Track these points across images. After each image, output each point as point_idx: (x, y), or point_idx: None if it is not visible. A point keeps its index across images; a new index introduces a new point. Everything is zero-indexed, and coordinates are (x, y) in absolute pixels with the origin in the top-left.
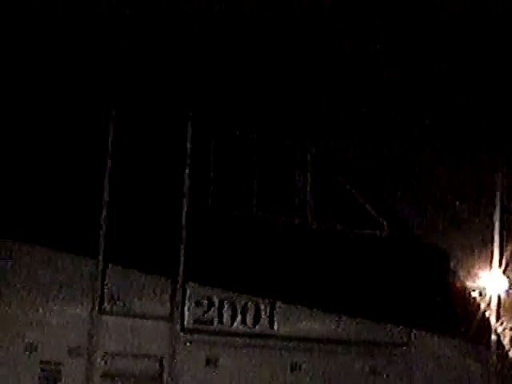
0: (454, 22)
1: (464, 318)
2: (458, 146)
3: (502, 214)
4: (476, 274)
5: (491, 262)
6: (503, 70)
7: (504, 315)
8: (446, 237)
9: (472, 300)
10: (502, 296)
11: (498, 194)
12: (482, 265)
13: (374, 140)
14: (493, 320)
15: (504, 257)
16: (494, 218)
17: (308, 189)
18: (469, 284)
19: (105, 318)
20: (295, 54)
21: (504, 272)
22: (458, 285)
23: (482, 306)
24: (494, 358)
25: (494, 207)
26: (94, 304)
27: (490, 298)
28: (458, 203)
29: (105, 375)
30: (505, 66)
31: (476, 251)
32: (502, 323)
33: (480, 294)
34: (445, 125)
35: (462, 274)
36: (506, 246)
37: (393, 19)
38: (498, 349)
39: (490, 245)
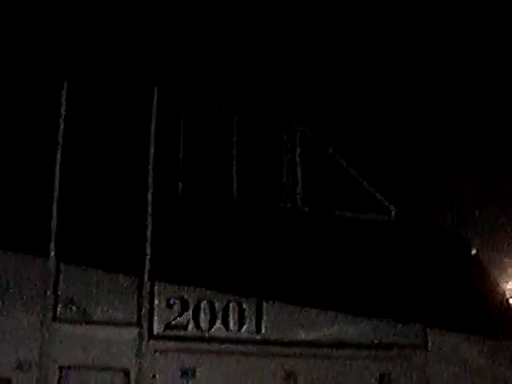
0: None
1: (493, 317)
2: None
3: None
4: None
5: None
6: None
7: None
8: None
9: (505, 298)
10: None
11: None
12: None
13: (378, 116)
14: None
15: None
16: None
17: (298, 170)
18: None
19: (59, 326)
20: (283, 27)
21: None
22: (486, 279)
23: None
24: None
25: None
26: (46, 310)
27: None
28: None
29: None
30: None
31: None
32: None
33: None
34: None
35: (495, 273)
36: None
37: None
38: None
39: None
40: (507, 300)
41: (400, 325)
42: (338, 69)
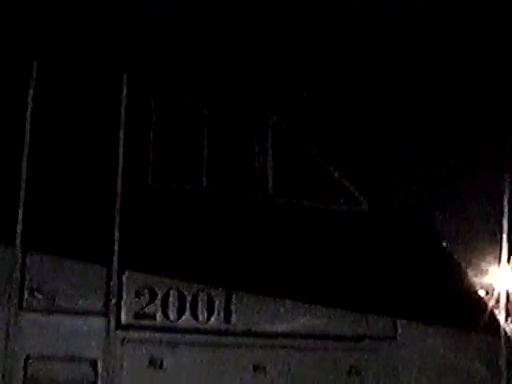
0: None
1: (462, 309)
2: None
3: (510, 207)
4: (483, 271)
5: (499, 258)
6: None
7: None
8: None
9: (475, 291)
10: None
11: (507, 189)
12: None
13: (351, 106)
14: (501, 317)
15: None
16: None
17: (269, 161)
18: (475, 279)
19: (25, 315)
20: (260, 14)
21: None
22: (456, 271)
23: (490, 302)
24: (504, 357)
25: (502, 200)
26: (11, 299)
27: (499, 294)
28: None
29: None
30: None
31: (484, 247)
32: None
33: (487, 293)
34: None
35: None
36: None
37: None
38: (507, 346)
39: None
40: (476, 292)
41: (370, 316)
42: (311, 57)
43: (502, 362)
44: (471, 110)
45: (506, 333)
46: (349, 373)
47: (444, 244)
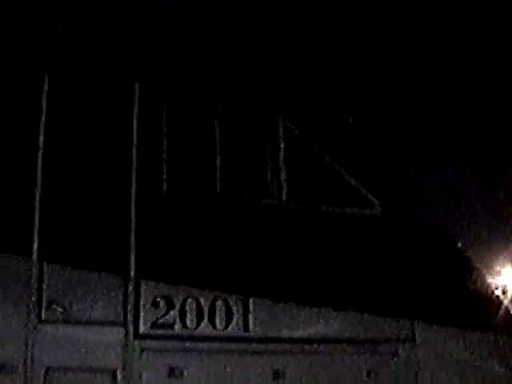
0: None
1: (479, 310)
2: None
3: None
4: (498, 271)
5: None
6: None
7: None
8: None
9: (490, 292)
10: None
11: None
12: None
13: (362, 111)
14: None
15: None
16: None
17: (281, 166)
18: (490, 280)
19: (44, 326)
20: (267, 21)
21: None
22: (471, 273)
23: (505, 302)
24: None
25: None
26: (30, 311)
27: None
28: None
29: None
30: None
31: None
32: None
33: (503, 292)
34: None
35: (481, 268)
36: None
37: None
38: None
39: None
40: (492, 293)
41: (387, 319)
42: (323, 64)
43: None
44: (484, 111)
45: None
46: (367, 376)
47: (458, 246)
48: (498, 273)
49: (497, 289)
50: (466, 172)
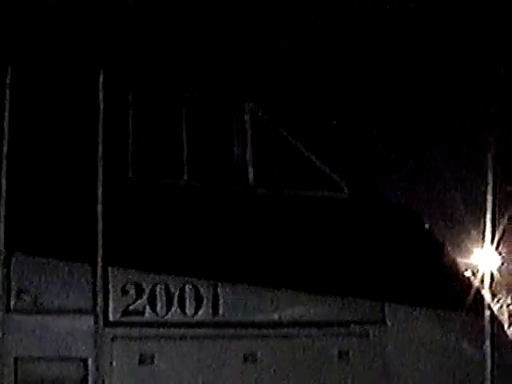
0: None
1: (449, 290)
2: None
3: (494, 187)
4: (468, 250)
5: (483, 238)
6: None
7: (499, 292)
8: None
9: (461, 272)
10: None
11: (491, 166)
12: (473, 241)
13: (328, 92)
14: (487, 297)
15: (496, 233)
16: (486, 194)
17: (248, 150)
18: (460, 260)
19: (12, 316)
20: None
21: (497, 248)
22: (440, 253)
23: (475, 282)
24: (489, 337)
25: (486, 180)
26: None
27: (483, 274)
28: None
29: None
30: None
31: (467, 228)
32: (498, 300)
33: (473, 273)
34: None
35: (452, 249)
36: (498, 221)
37: None
38: (493, 326)
39: (482, 220)
40: (463, 274)
41: (358, 301)
42: (289, 45)
43: (488, 343)
44: (453, 92)
45: (491, 313)
46: (339, 358)
47: (427, 226)
48: (469, 253)
49: (467, 269)
50: (433, 149)
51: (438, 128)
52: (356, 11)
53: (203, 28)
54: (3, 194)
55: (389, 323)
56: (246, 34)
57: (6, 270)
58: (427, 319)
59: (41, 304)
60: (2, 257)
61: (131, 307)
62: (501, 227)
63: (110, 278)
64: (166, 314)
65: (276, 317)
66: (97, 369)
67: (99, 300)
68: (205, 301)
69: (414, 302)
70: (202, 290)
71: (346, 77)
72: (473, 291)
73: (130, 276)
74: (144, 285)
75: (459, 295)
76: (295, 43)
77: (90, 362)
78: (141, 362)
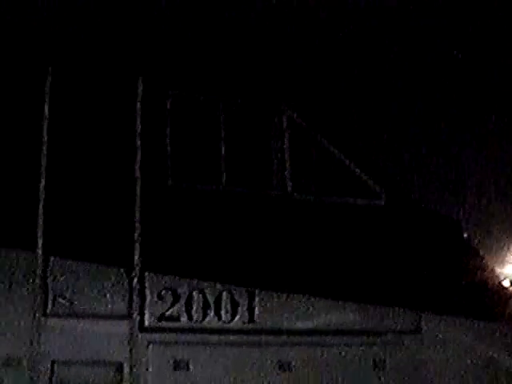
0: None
1: (486, 300)
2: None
3: None
4: (505, 260)
5: None
6: None
7: None
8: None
9: (498, 281)
10: None
11: None
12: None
13: (367, 101)
14: None
15: None
16: None
17: (286, 157)
18: (497, 269)
19: (49, 320)
20: (270, 12)
21: None
22: (478, 262)
23: None
24: None
25: None
26: (35, 305)
27: None
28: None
29: None
30: None
31: (505, 237)
32: None
33: (511, 283)
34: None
35: (489, 258)
36: None
37: None
38: None
39: None
40: (500, 283)
41: (394, 310)
42: (327, 53)
43: None
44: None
45: None
46: (373, 367)
47: (465, 235)
48: (507, 262)
49: (504, 279)
50: (472, 161)
51: (479, 139)
52: (399, 24)
53: (242, 36)
54: (42, 200)
55: (424, 332)
56: (285, 41)
57: (44, 274)
58: (463, 329)
59: (77, 308)
60: (39, 261)
61: (167, 313)
62: None
63: (147, 284)
64: (202, 320)
65: (311, 325)
66: (131, 373)
67: (135, 305)
68: (241, 308)
69: (451, 311)
70: (238, 296)
71: (387, 87)
72: (510, 301)
73: (166, 282)
74: (180, 291)
75: (496, 305)
76: (336, 52)
77: (125, 366)
78: (176, 367)
